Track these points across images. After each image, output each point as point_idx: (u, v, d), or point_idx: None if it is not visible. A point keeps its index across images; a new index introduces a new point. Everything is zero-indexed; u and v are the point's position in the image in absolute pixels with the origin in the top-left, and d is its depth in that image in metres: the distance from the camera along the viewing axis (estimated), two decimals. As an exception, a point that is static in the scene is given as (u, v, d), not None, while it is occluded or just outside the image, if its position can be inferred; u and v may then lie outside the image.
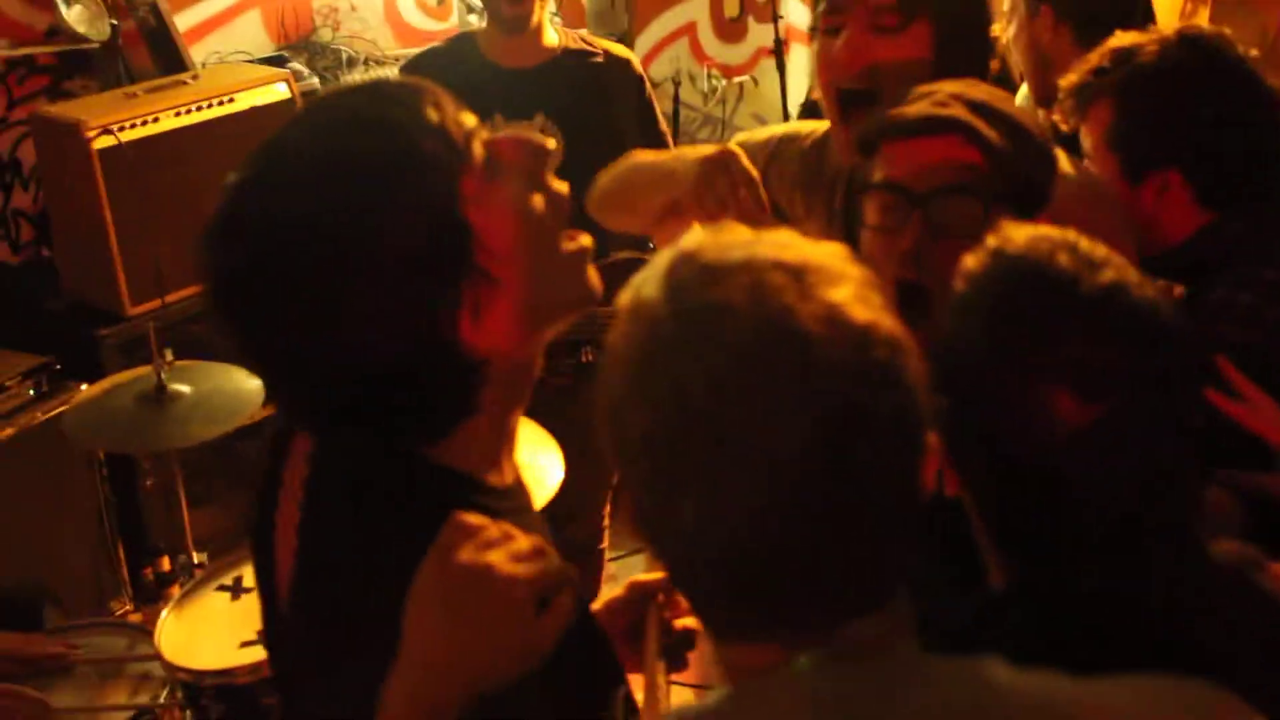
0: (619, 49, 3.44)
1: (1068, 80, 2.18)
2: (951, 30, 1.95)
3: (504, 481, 1.42)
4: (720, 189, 1.85)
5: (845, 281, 1.04)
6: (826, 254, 1.07)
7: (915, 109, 1.68)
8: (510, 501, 1.41)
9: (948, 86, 1.72)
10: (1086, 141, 2.15)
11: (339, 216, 1.24)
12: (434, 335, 1.27)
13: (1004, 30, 2.84)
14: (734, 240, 1.08)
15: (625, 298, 1.10)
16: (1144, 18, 3.15)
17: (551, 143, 1.37)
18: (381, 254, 1.23)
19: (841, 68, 1.98)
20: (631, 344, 1.06)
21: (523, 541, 1.22)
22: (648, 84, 3.45)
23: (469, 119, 1.32)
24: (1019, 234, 1.35)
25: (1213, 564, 1.37)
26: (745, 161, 1.86)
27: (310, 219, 1.25)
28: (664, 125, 3.50)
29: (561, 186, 1.35)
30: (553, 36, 3.32)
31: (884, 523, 1.05)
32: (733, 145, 1.96)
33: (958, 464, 1.30)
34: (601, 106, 3.30)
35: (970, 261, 1.35)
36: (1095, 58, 2.13)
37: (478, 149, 1.30)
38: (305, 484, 1.40)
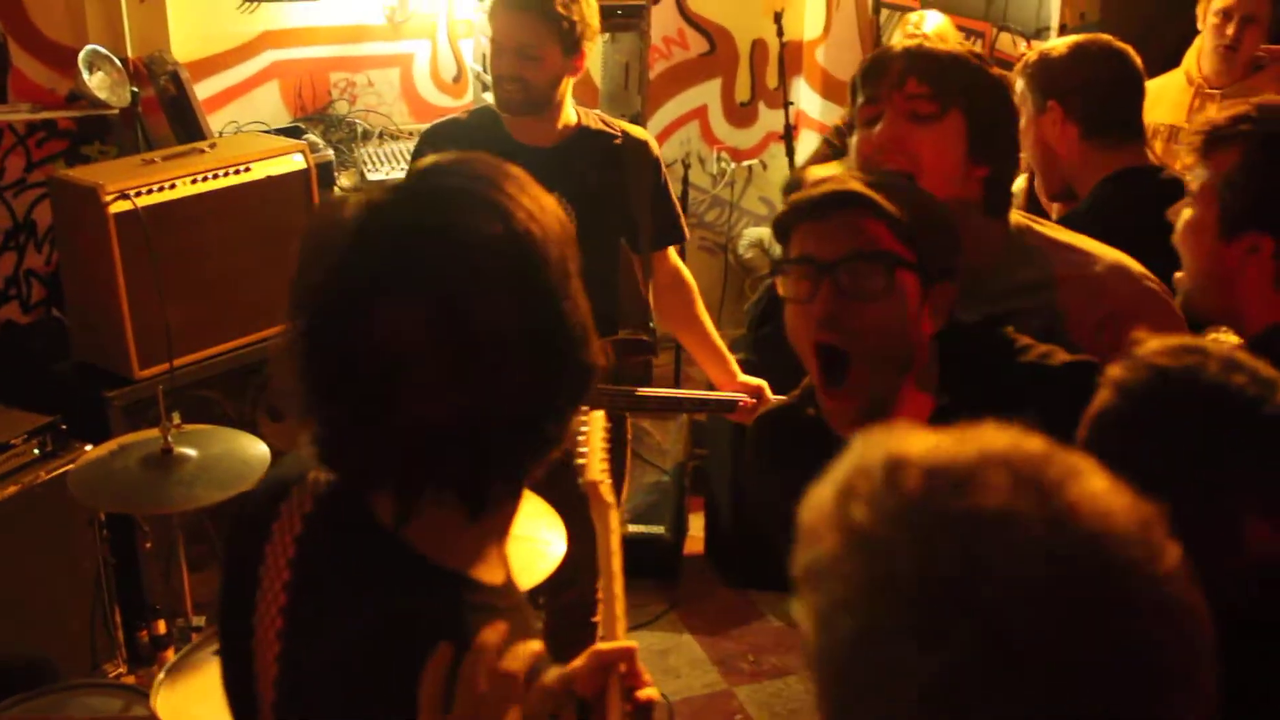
0: (638, 130, 3.48)
1: (1207, 117, 2.21)
2: (984, 121, 2.05)
3: (497, 580, 1.43)
4: None
5: (1085, 469, 0.88)
6: (1024, 437, 0.91)
7: (819, 190, 1.82)
8: (508, 600, 1.43)
9: (850, 173, 1.90)
10: (1195, 183, 2.16)
11: None
12: None
13: None
14: (933, 439, 0.90)
15: (819, 528, 0.92)
16: None
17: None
18: None
19: (882, 153, 2.06)
20: (880, 576, 0.85)
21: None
22: (663, 167, 3.49)
23: None
24: (1163, 345, 1.33)
25: None
26: None
27: None
28: (678, 208, 3.54)
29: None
30: (572, 115, 3.36)
31: None
32: None
33: None
34: (618, 187, 3.33)
35: (1122, 374, 1.32)
36: (1245, 106, 2.15)
37: None
38: (293, 564, 1.42)
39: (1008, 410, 1.74)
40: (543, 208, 1.35)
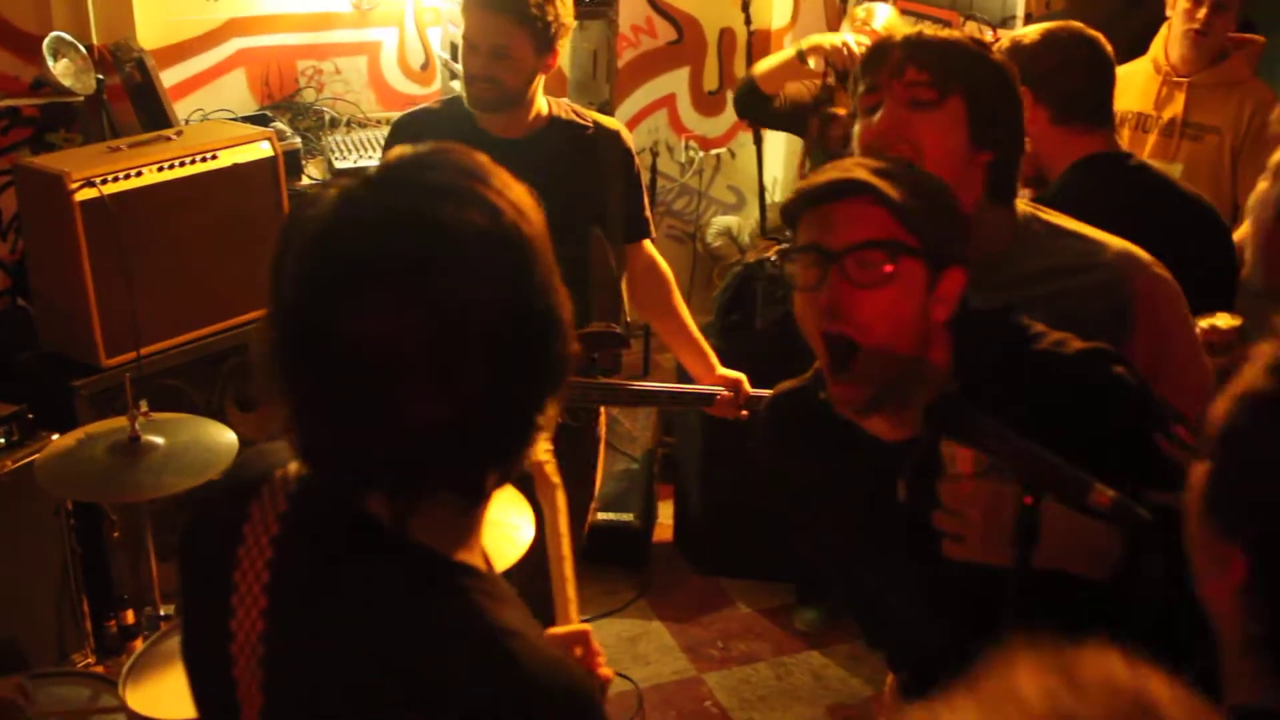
0: (609, 121, 3.48)
1: None
2: (984, 107, 2.06)
3: (484, 567, 1.43)
4: None
5: None
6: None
7: (825, 177, 1.83)
8: (499, 586, 1.42)
9: (857, 160, 1.89)
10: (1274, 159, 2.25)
11: None
12: None
13: None
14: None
15: None
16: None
17: None
18: None
19: (882, 141, 2.07)
20: None
21: None
22: (635, 158, 3.49)
23: None
24: None
25: None
26: None
27: None
28: (646, 199, 3.55)
29: None
30: (543, 106, 3.34)
31: None
32: None
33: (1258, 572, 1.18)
34: (589, 177, 3.33)
35: (1274, 354, 1.23)
36: None
37: None
38: (272, 566, 1.40)
39: (1021, 397, 1.78)
40: (524, 201, 1.35)
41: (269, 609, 1.38)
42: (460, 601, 1.31)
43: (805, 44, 4.00)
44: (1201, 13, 3.98)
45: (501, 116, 3.29)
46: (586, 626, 1.82)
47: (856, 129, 2.18)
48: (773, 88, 4.21)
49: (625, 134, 3.46)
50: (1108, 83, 2.86)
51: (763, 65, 4.22)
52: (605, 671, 1.82)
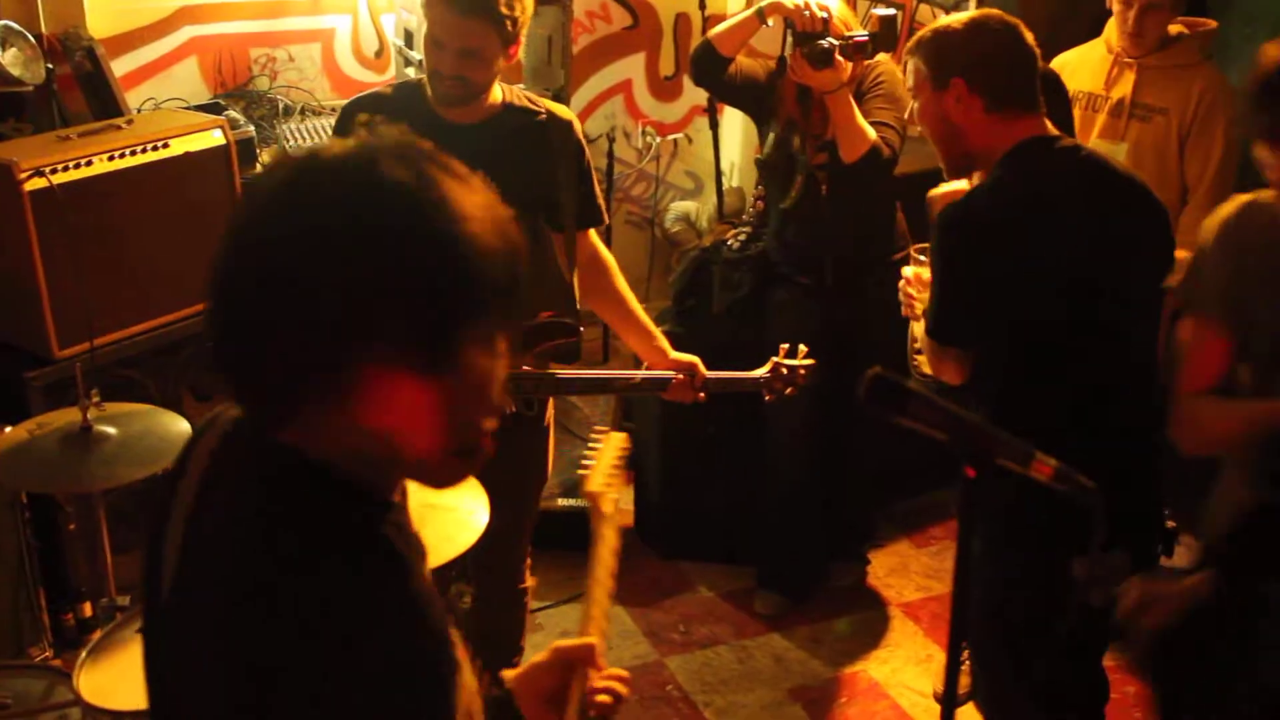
0: (562, 110, 3.46)
1: None
2: None
3: (396, 498, 1.45)
4: None
5: None
6: None
7: None
8: (404, 516, 1.45)
9: None
10: None
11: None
12: None
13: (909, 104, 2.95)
14: None
15: None
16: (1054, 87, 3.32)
17: None
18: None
19: None
20: None
21: None
22: (587, 148, 3.48)
23: None
24: None
25: None
26: None
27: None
28: (599, 189, 3.54)
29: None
30: (498, 93, 3.32)
31: None
32: None
33: None
34: (541, 165, 3.32)
35: None
36: None
37: None
38: (197, 497, 1.43)
39: None
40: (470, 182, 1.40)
41: (184, 537, 1.43)
42: (358, 519, 1.34)
43: (765, 3, 3.99)
44: (1132, 14, 4.04)
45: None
46: (594, 640, 1.83)
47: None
48: (730, 49, 4.15)
49: (577, 124, 3.45)
50: (1034, 68, 2.86)
51: (721, 26, 4.20)
52: (602, 699, 1.81)
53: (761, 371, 3.50)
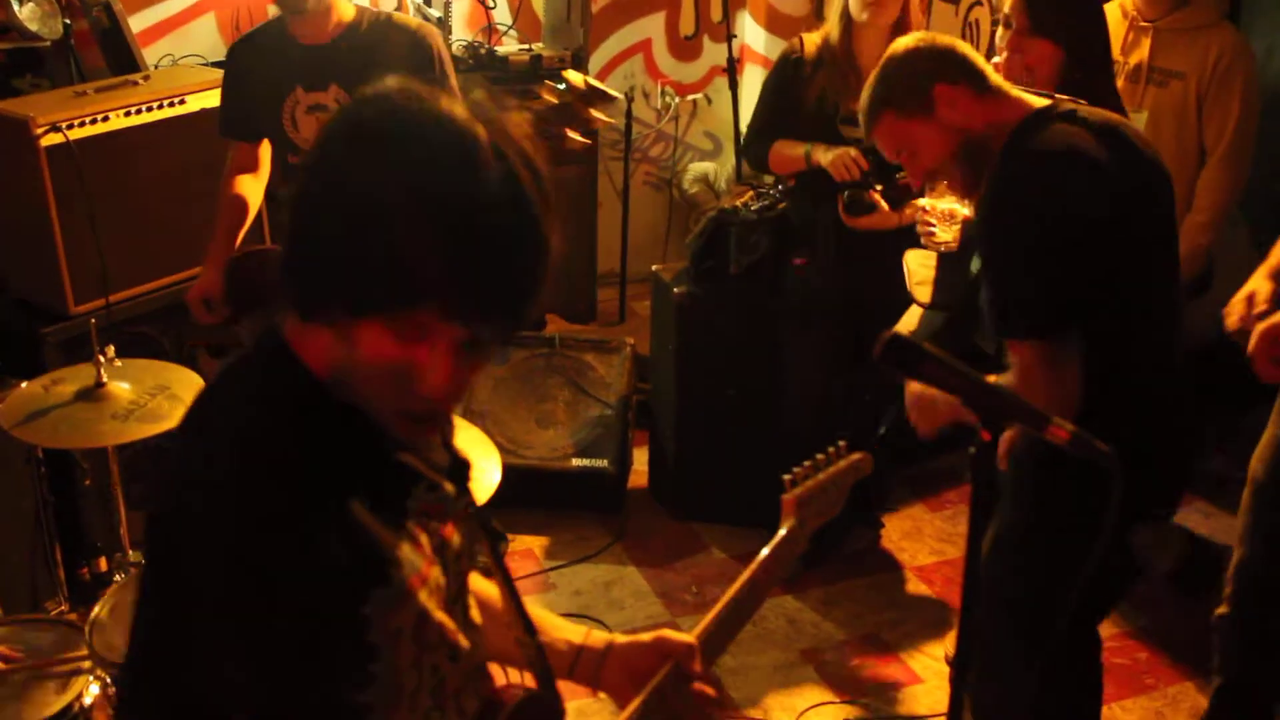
0: (417, 22, 3.64)
1: None
2: None
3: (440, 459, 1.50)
4: None
5: None
6: None
7: None
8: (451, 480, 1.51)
9: None
10: None
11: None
12: None
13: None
14: None
15: None
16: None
17: None
18: None
19: None
20: None
21: None
22: (444, 57, 3.58)
23: None
24: None
25: None
26: None
27: None
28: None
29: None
30: (349, 12, 3.53)
31: None
32: None
33: None
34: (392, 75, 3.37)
35: None
36: None
37: None
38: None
39: None
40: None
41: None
42: (263, 396, 1.39)
43: (810, 149, 4.09)
44: None
45: (307, 24, 3.49)
46: (693, 640, 1.82)
47: None
48: (780, 172, 4.38)
49: (433, 35, 3.57)
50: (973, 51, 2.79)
51: (774, 156, 4.26)
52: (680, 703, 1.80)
53: None
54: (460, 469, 1.56)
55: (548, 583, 4.42)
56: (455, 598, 1.52)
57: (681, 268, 4.75)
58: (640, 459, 5.02)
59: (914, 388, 2.77)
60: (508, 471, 3.01)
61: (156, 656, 1.41)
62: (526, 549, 4.59)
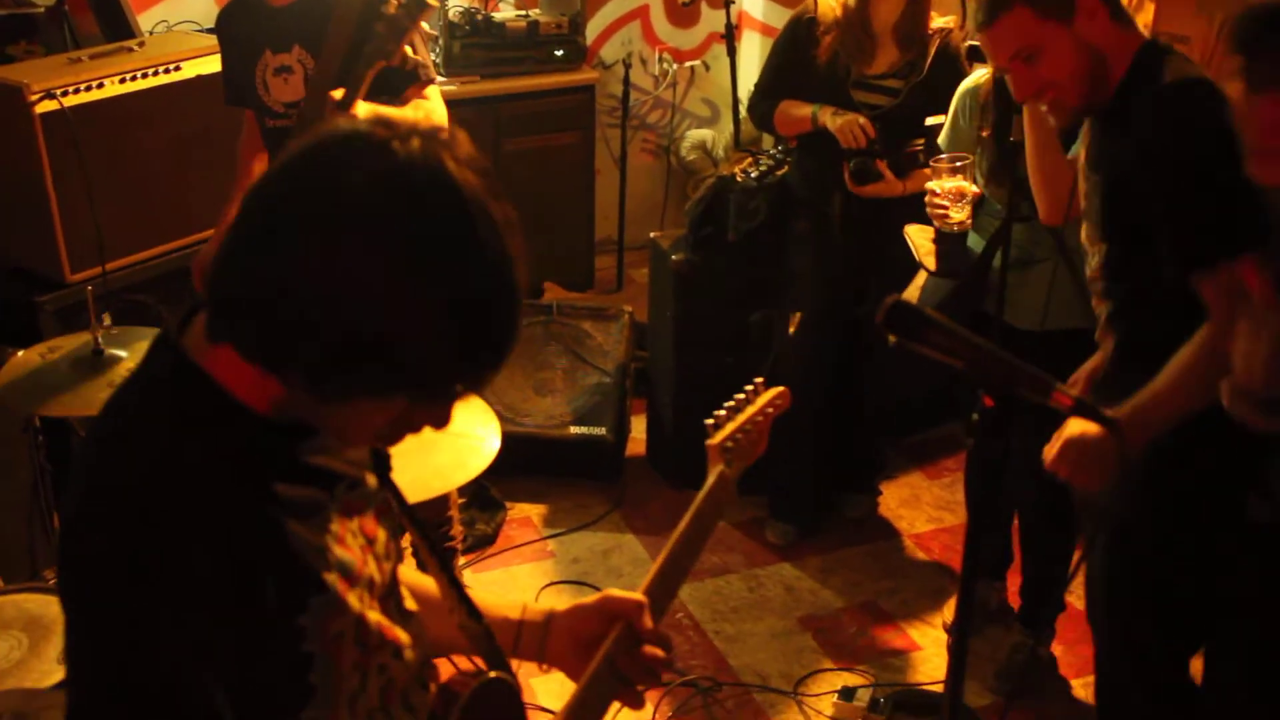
0: None
1: None
2: None
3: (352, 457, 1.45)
4: None
5: None
6: None
7: None
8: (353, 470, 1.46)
9: None
10: None
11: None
12: None
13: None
14: None
15: None
16: None
17: None
18: None
19: None
20: None
21: None
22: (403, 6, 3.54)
23: None
24: None
25: None
26: None
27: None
28: (425, 50, 3.50)
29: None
30: None
31: None
32: None
33: None
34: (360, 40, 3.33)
35: None
36: None
37: None
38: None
39: None
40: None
41: None
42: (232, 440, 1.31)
43: (818, 109, 4.03)
44: None
45: None
46: (642, 598, 1.74)
47: None
48: (786, 133, 4.32)
49: None
50: None
51: (780, 115, 4.20)
52: (631, 664, 1.75)
53: None
54: (381, 460, 1.53)
55: (546, 550, 4.42)
56: (388, 593, 1.49)
57: (679, 235, 4.74)
58: (638, 427, 5.02)
59: (1072, 430, 2.48)
60: (506, 439, 3.00)
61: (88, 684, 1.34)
62: (525, 517, 4.59)
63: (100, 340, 3.13)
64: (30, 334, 3.68)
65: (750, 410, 2.03)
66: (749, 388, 2.07)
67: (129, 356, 3.14)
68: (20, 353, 3.25)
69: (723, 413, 2.00)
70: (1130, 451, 2.27)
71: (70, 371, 3.09)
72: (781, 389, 2.10)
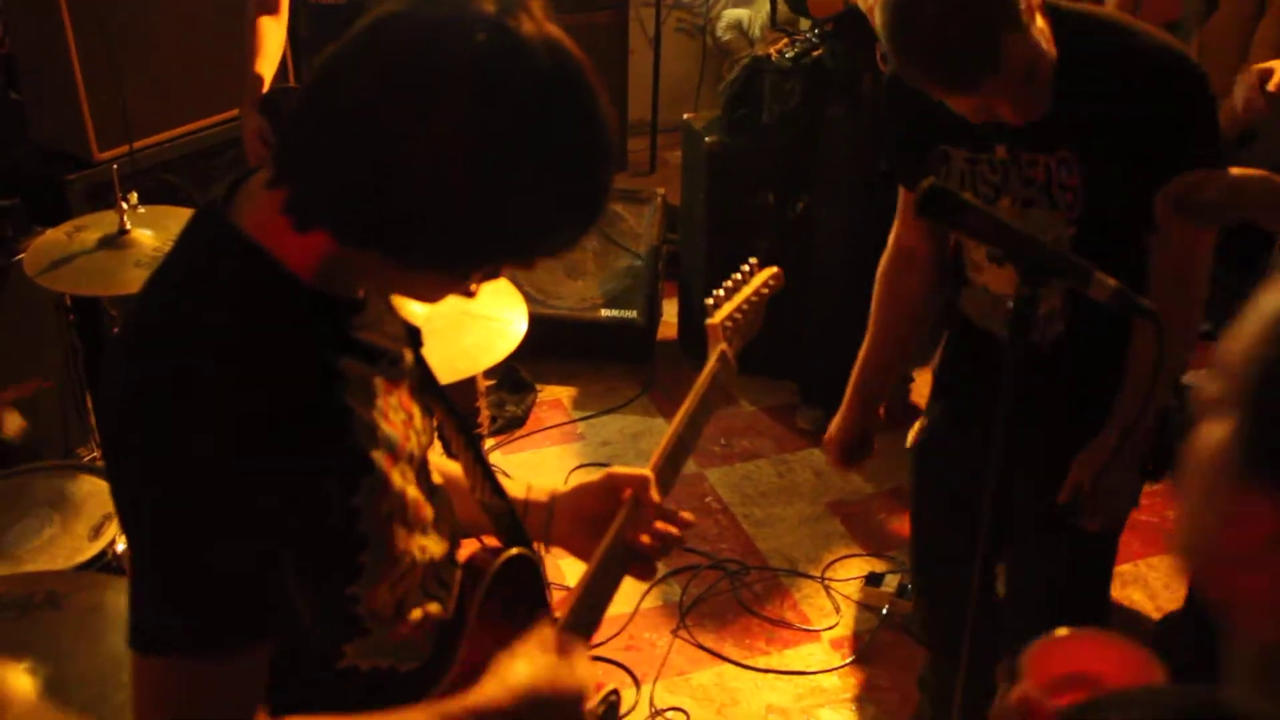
0: None
1: None
2: None
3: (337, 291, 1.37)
4: None
5: None
6: None
7: None
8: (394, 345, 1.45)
9: None
10: None
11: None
12: None
13: None
14: None
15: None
16: None
17: None
18: None
19: None
20: None
21: None
22: None
23: None
24: None
25: None
26: None
27: None
28: None
29: None
30: None
31: None
32: None
33: None
34: None
35: None
36: None
37: None
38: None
39: None
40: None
41: None
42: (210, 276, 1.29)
43: None
44: None
45: None
46: (647, 472, 1.73)
47: None
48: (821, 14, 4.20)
49: None
50: None
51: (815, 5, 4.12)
52: (645, 538, 1.74)
53: None
54: (414, 335, 1.51)
55: (576, 433, 4.43)
56: (421, 468, 1.48)
57: (713, 117, 4.67)
58: (670, 310, 5.00)
59: None
60: (535, 321, 2.99)
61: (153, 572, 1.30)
62: (555, 399, 4.60)
63: (126, 220, 3.11)
64: (60, 212, 3.66)
65: (747, 290, 2.03)
66: (745, 267, 2.06)
67: (155, 235, 3.13)
68: (47, 231, 3.24)
69: (721, 292, 1.99)
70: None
71: (97, 250, 3.09)
72: (775, 269, 2.09)
